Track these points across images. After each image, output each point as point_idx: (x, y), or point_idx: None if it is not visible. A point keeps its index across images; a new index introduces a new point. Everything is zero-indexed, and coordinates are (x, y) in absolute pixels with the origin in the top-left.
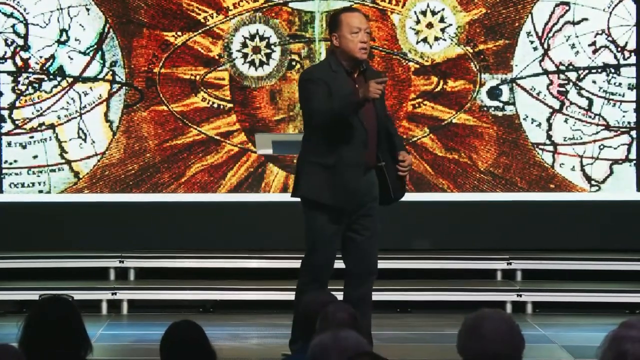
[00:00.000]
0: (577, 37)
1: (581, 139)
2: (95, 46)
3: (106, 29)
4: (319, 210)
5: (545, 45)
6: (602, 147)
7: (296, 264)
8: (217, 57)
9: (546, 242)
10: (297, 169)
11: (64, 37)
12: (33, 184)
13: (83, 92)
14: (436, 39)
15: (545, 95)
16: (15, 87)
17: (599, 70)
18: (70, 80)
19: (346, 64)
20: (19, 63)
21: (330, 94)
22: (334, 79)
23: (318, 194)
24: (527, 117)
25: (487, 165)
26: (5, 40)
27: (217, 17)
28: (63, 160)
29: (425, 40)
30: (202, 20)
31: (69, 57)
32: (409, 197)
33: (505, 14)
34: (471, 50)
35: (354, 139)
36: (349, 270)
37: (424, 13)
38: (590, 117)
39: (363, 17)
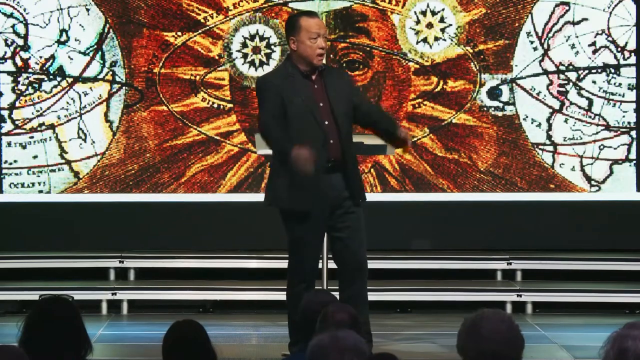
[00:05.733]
0: (577, 37)
1: (581, 139)
2: (95, 46)
3: (106, 29)
4: (291, 215)
5: (545, 46)
6: (602, 147)
7: None
8: (217, 57)
9: (546, 242)
10: (269, 174)
11: (64, 37)
12: (33, 184)
13: (83, 92)
14: (436, 39)
15: (545, 96)
16: (15, 87)
17: (599, 70)
18: (70, 80)
19: (303, 68)
20: (19, 63)
21: (282, 103)
22: (290, 83)
23: (283, 200)
24: (527, 117)
25: (487, 165)
26: (5, 40)
27: (217, 17)
28: (63, 161)
29: (425, 40)
30: (202, 21)
31: (69, 57)
32: (409, 197)
33: (505, 14)
34: (471, 50)
35: (311, 138)
36: (339, 270)
37: (424, 13)
38: (590, 117)
39: (322, 22)
